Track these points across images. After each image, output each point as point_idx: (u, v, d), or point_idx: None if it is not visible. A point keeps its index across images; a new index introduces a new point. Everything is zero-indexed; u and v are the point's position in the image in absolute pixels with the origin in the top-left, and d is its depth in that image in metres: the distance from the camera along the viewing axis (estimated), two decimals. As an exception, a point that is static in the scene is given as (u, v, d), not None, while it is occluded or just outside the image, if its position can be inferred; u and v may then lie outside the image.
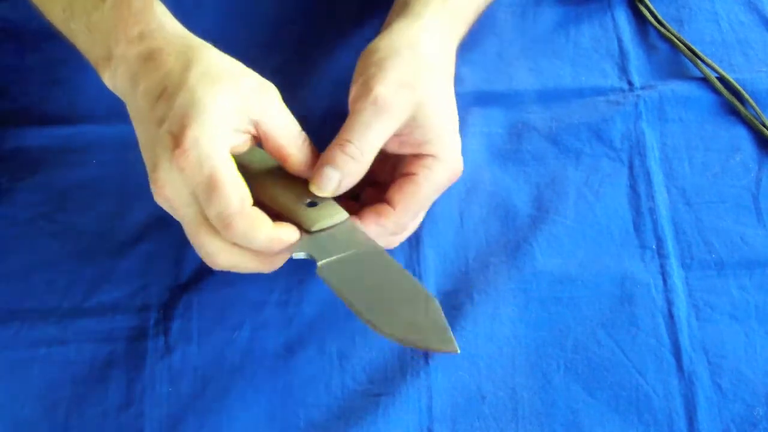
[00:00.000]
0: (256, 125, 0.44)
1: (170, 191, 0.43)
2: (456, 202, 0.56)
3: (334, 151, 0.46)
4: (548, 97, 0.60)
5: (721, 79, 0.61)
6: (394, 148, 0.49)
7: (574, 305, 0.52)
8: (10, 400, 0.49)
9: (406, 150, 0.48)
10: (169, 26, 0.47)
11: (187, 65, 0.44)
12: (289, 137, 0.45)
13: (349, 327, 0.52)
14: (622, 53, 0.63)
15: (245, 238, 0.43)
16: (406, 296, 0.45)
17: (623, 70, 0.62)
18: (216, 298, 0.53)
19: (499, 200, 0.56)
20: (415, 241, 0.54)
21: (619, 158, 0.58)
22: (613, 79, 0.61)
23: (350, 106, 0.48)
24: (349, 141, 0.46)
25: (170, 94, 0.43)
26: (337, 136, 0.46)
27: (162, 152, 0.42)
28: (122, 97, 0.47)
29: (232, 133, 0.43)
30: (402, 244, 0.54)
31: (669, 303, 0.52)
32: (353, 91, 0.48)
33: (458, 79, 0.60)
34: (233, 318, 0.52)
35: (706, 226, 0.55)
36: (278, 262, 0.48)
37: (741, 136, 0.59)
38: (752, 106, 0.60)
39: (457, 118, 0.50)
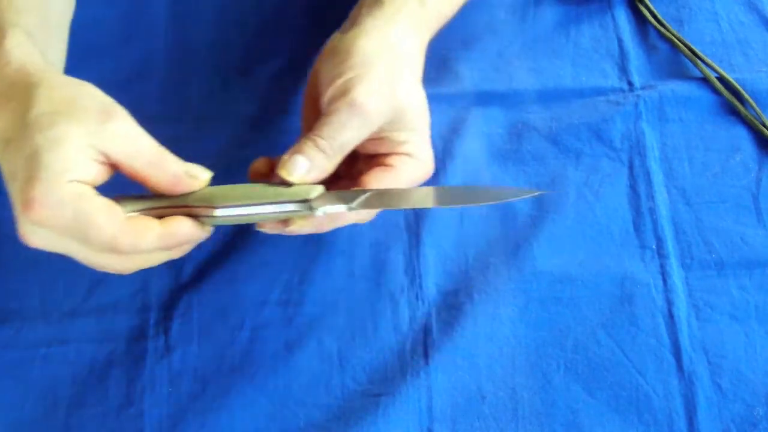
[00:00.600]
0: (105, 156, 0.42)
1: (39, 242, 0.42)
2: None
3: (307, 143, 0.45)
4: (548, 97, 0.60)
5: (721, 79, 0.61)
6: (370, 148, 0.48)
7: (574, 305, 0.52)
8: (10, 400, 0.49)
9: (382, 149, 0.48)
10: (16, 60, 0.44)
11: (26, 109, 0.41)
12: (141, 161, 0.43)
13: (349, 327, 0.52)
14: (622, 53, 0.63)
15: (137, 249, 0.42)
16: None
17: (623, 70, 0.62)
18: (216, 298, 0.53)
19: (499, 200, 0.56)
20: (415, 241, 0.54)
21: (619, 158, 0.58)
22: (613, 79, 0.61)
23: (325, 105, 0.47)
24: (322, 138, 0.45)
25: (14, 147, 0.41)
26: (310, 131, 0.46)
27: (19, 209, 0.40)
28: None
29: (84, 171, 0.41)
30: (401, 244, 0.54)
31: (669, 303, 0.52)
32: (329, 91, 0.47)
33: (458, 79, 0.61)
34: (233, 318, 0.52)
35: (706, 226, 0.55)
36: (188, 249, 0.46)
37: (741, 136, 0.59)
38: (752, 106, 0.60)
39: (428, 119, 0.50)
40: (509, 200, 0.54)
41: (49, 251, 0.43)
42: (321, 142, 0.45)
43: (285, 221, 0.46)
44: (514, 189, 0.53)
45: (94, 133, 0.41)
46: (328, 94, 0.47)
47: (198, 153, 0.58)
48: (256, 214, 0.44)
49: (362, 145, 0.47)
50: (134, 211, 0.43)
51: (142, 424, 0.49)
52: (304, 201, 0.44)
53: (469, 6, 0.64)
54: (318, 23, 0.64)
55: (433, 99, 0.60)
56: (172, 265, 0.53)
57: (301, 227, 0.46)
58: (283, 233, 0.47)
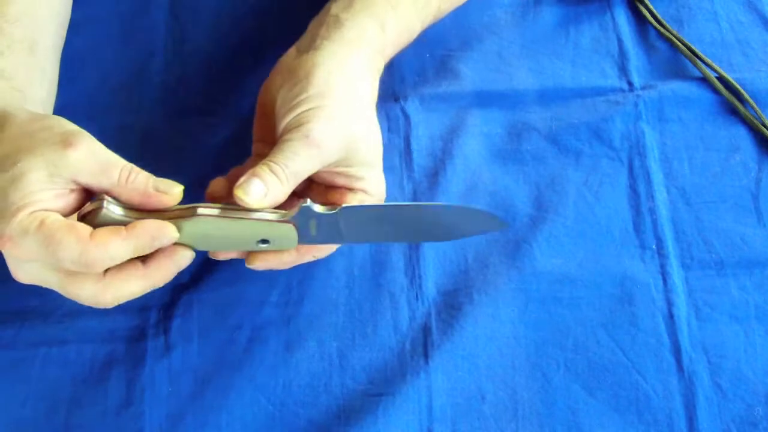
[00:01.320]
0: (72, 182, 0.43)
1: (25, 276, 0.44)
2: (456, 202, 0.56)
3: (263, 168, 0.45)
4: (548, 97, 0.60)
5: (721, 78, 0.61)
6: (326, 179, 0.49)
7: (574, 305, 0.52)
8: (10, 400, 0.49)
9: (338, 182, 0.49)
10: None
11: None
12: (109, 182, 0.43)
13: (349, 327, 0.52)
14: (622, 53, 0.63)
15: (108, 256, 0.42)
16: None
17: (623, 70, 0.62)
18: (216, 297, 0.53)
19: (499, 200, 0.56)
20: (415, 241, 0.54)
21: (619, 158, 0.58)
22: (613, 79, 0.61)
23: (281, 132, 0.47)
24: (276, 164, 0.45)
25: None
26: (267, 156, 0.46)
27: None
28: None
29: (47, 200, 0.42)
30: (402, 244, 0.54)
31: (669, 303, 0.52)
32: (286, 120, 0.47)
33: (458, 79, 0.61)
34: (233, 318, 0.52)
35: (706, 226, 0.55)
36: (167, 273, 0.46)
37: (741, 136, 0.59)
38: (752, 106, 0.60)
39: (381, 153, 0.50)
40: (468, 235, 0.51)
41: (37, 285, 0.44)
42: (276, 167, 0.45)
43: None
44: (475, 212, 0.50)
45: (54, 163, 0.42)
46: (285, 122, 0.47)
47: (198, 152, 0.58)
48: (235, 218, 0.45)
49: (318, 175, 0.48)
50: (117, 206, 0.44)
51: (142, 424, 0.49)
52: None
53: (469, 6, 0.64)
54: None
55: (433, 99, 0.60)
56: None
57: (264, 262, 0.48)
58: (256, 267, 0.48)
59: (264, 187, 0.45)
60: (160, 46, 0.62)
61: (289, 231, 0.46)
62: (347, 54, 0.50)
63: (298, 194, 0.48)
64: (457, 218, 0.47)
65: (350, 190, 0.49)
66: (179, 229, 0.44)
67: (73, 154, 0.42)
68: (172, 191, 0.44)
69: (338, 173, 0.48)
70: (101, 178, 0.43)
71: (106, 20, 0.63)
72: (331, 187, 0.49)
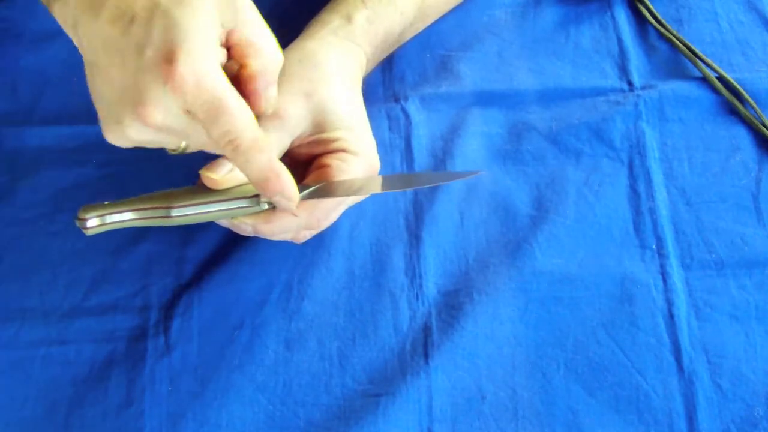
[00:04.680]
0: (228, 35, 0.42)
1: (163, 118, 0.40)
2: (456, 202, 0.56)
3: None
4: (548, 97, 0.60)
5: (721, 78, 0.61)
6: (305, 152, 0.49)
7: (574, 305, 0.52)
8: (10, 400, 0.49)
9: (317, 150, 0.49)
10: None
11: None
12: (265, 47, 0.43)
13: (350, 327, 0.52)
14: (622, 53, 0.63)
15: (259, 147, 0.41)
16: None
17: (623, 70, 0.62)
18: (216, 297, 0.53)
19: (499, 200, 0.56)
20: (415, 241, 0.54)
21: (619, 158, 0.58)
22: (613, 79, 0.61)
23: None
24: None
25: (144, 18, 0.40)
26: None
27: (152, 78, 0.39)
28: (74, 30, 0.42)
29: (217, 49, 0.41)
30: (402, 244, 0.54)
31: (669, 303, 0.52)
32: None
33: (458, 79, 0.61)
34: (233, 317, 0.52)
35: (706, 226, 0.55)
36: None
37: (741, 136, 0.59)
38: (752, 106, 0.60)
39: (366, 119, 0.51)
40: (452, 180, 0.56)
41: (152, 139, 0.42)
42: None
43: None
44: (455, 172, 0.55)
45: (224, 10, 0.41)
46: None
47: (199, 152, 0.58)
48: (211, 212, 0.46)
49: (296, 151, 0.48)
50: (96, 216, 0.44)
51: (142, 424, 0.49)
52: (254, 197, 0.46)
53: (469, 6, 0.64)
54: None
55: (433, 99, 0.60)
56: (173, 265, 0.54)
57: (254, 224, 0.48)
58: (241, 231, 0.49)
59: (229, 165, 0.45)
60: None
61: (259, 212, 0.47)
62: (306, 41, 0.52)
63: None
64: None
65: (330, 153, 0.49)
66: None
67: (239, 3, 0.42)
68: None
69: (313, 142, 0.49)
70: (258, 41, 0.42)
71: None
72: (313, 160, 0.49)
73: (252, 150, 0.41)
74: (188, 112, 0.40)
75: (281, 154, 0.48)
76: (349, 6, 0.55)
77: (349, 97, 0.51)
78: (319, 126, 0.48)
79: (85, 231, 0.44)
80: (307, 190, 0.47)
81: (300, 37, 0.54)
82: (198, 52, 0.39)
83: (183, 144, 0.43)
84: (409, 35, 0.60)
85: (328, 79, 0.50)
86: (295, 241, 0.51)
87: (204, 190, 0.46)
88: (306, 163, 0.50)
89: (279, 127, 0.47)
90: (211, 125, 0.40)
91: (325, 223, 0.51)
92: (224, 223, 0.50)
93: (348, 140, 0.49)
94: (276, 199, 0.44)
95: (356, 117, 0.50)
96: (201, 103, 0.39)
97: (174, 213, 0.45)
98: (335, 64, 0.52)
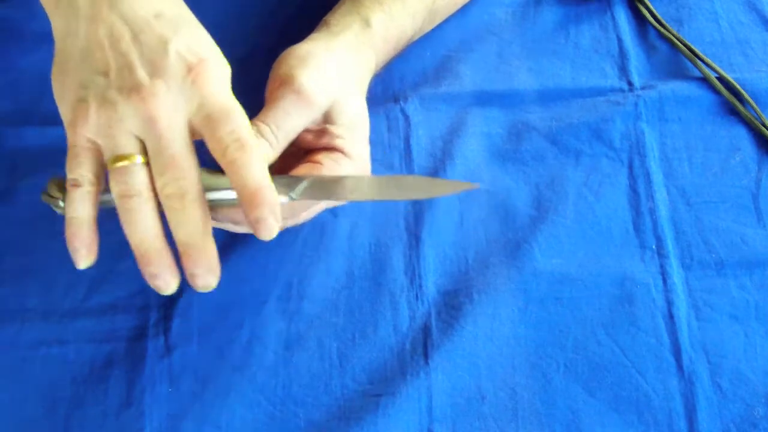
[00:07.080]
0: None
1: (170, 100, 0.42)
2: (456, 202, 0.56)
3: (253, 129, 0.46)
4: (548, 97, 0.60)
5: (721, 78, 0.61)
6: (308, 140, 0.50)
7: (574, 305, 0.52)
8: (10, 400, 0.49)
9: (320, 142, 0.49)
10: None
11: None
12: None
13: (349, 327, 0.52)
14: (622, 53, 0.63)
15: (249, 162, 0.42)
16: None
17: (623, 70, 0.62)
18: (216, 297, 0.52)
19: (498, 200, 0.56)
20: (415, 241, 0.54)
21: (619, 158, 0.58)
22: (613, 79, 0.61)
23: (269, 95, 0.48)
24: (267, 125, 0.46)
25: (169, 17, 0.43)
26: (254, 120, 0.46)
27: (175, 67, 0.42)
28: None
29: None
30: (401, 244, 0.54)
31: (669, 303, 0.52)
32: (272, 80, 0.49)
33: (458, 79, 0.61)
34: (233, 317, 0.52)
35: (706, 226, 0.55)
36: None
37: (741, 136, 0.59)
38: (752, 106, 0.60)
39: (368, 127, 0.51)
40: (444, 194, 0.55)
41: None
42: (266, 130, 0.46)
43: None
44: (450, 183, 0.55)
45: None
46: (270, 84, 0.49)
47: (199, 146, 0.58)
48: (211, 199, 0.45)
49: (302, 136, 0.49)
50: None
51: (142, 424, 0.49)
52: None
53: (469, 6, 0.64)
54: (319, 21, 0.64)
55: (433, 99, 0.60)
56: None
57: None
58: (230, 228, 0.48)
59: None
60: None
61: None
62: (332, 40, 0.52)
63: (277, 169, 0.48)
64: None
65: (330, 149, 0.49)
66: None
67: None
68: None
69: (321, 131, 0.49)
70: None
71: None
72: (309, 153, 0.50)
73: (255, 150, 0.42)
74: (192, 109, 0.42)
75: (296, 135, 0.48)
76: (366, 8, 0.55)
77: (360, 101, 0.51)
78: (331, 116, 0.49)
79: (56, 210, 0.43)
80: (300, 187, 0.45)
81: (324, 31, 0.54)
82: (217, 60, 0.43)
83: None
84: (415, 38, 0.60)
85: (348, 80, 0.51)
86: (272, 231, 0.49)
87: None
88: (298, 155, 0.50)
89: (303, 106, 0.47)
90: (220, 124, 0.42)
91: (304, 216, 0.51)
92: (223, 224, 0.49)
93: (348, 140, 0.49)
94: (262, 214, 0.42)
95: (361, 122, 0.51)
96: (213, 101, 0.42)
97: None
98: (353, 66, 0.52)
